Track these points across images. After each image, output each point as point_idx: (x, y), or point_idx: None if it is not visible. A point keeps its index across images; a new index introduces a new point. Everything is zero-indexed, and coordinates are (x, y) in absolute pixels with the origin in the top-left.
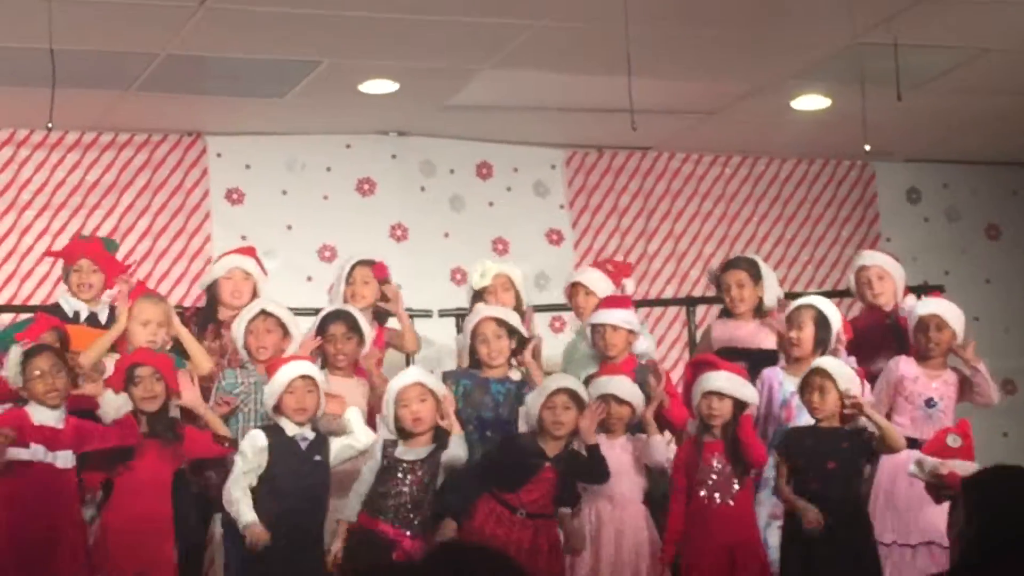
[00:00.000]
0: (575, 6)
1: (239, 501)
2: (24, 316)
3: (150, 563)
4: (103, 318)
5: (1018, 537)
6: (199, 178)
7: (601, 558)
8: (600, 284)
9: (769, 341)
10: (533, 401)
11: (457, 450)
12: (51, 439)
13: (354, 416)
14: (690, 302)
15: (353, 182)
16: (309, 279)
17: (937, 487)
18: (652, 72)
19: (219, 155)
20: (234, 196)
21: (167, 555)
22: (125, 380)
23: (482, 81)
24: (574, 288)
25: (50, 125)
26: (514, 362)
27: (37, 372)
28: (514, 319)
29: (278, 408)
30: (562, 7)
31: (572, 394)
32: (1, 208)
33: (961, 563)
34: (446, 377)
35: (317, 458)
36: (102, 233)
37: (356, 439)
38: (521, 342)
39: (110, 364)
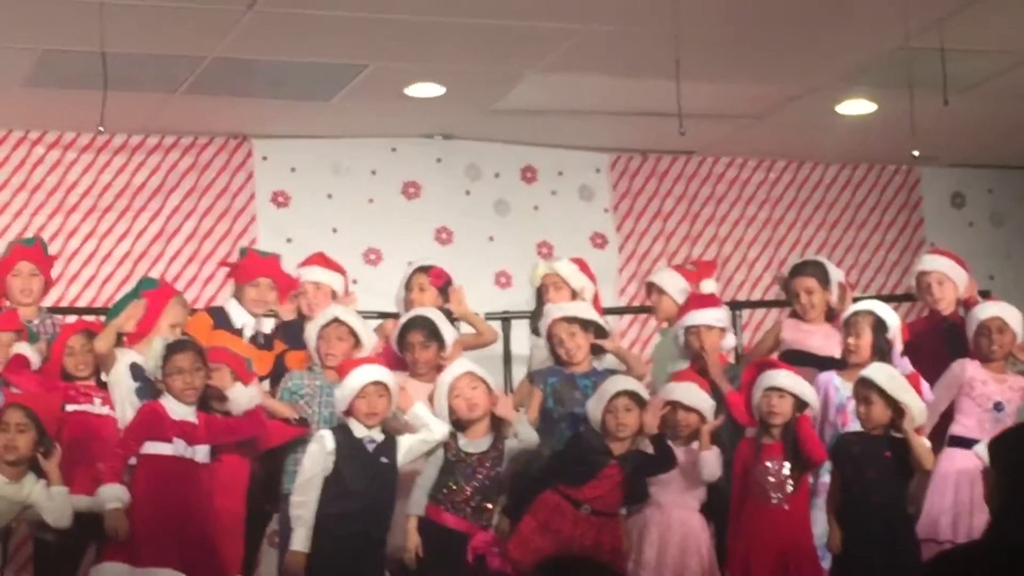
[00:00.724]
0: (623, 10)
1: (303, 521)
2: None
3: (221, 555)
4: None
5: None
6: (245, 181)
7: (642, 563)
8: (670, 282)
9: (834, 345)
10: (595, 405)
11: (527, 436)
12: (190, 434)
13: (422, 410)
14: (734, 306)
15: (398, 185)
16: (355, 282)
17: None
18: (699, 76)
19: (265, 158)
20: (280, 199)
21: (239, 551)
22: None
23: (528, 85)
24: (649, 288)
25: (101, 128)
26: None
27: (177, 369)
28: (583, 312)
29: (348, 411)
30: (610, 11)
31: (632, 395)
32: (48, 211)
33: (992, 527)
34: (534, 377)
35: (384, 460)
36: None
37: (430, 432)
38: (599, 331)
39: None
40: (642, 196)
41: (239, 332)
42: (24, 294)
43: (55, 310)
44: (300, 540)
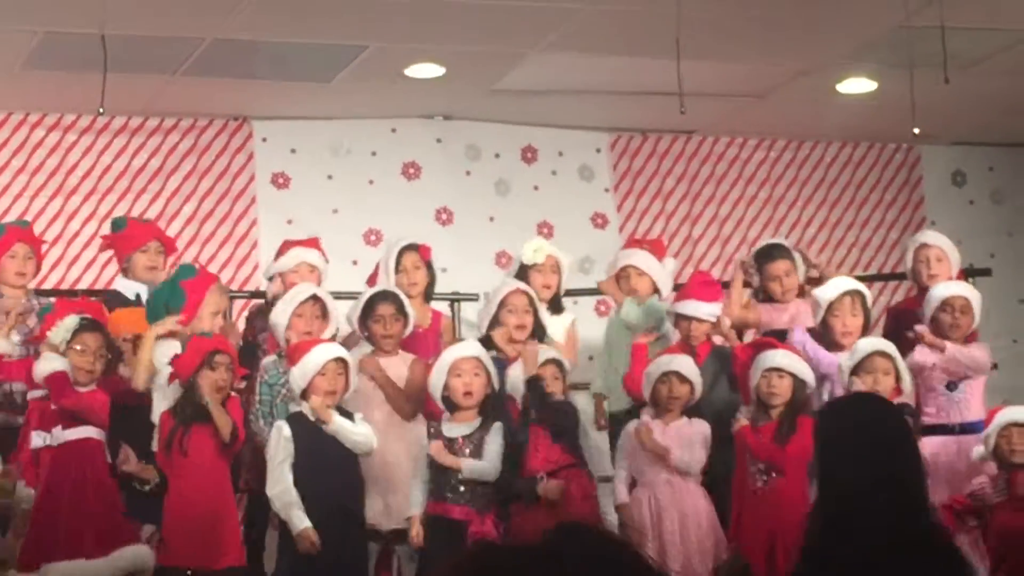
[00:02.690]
0: None
1: (290, 505)
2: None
3: (216, 546)
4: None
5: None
6: (245, 162)
7: (666, 543)
8: (650, 263)
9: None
10: (520, 373)
11: (479, 469)
12: (44, 420)
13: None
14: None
15: (399, 166)
16: (355, 263)
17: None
18: (699, 55)
19: (265, 139)
20: (280, 180)
21: (234, 536)
22: (201, 363)
23: (528, 65)
24: (624, 271)
25: (101, 110)
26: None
27: (80, 347)
28: (540, 307)
29: (306, 392)
30: None
31: (559, 364)
32: (48, 193)
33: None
34: None
35: None
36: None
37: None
38: (539, 328)
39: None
40: (642, 176)
41: (136, 303)
42: (19, 276)
43: (55, 292)
44: (298, 519)
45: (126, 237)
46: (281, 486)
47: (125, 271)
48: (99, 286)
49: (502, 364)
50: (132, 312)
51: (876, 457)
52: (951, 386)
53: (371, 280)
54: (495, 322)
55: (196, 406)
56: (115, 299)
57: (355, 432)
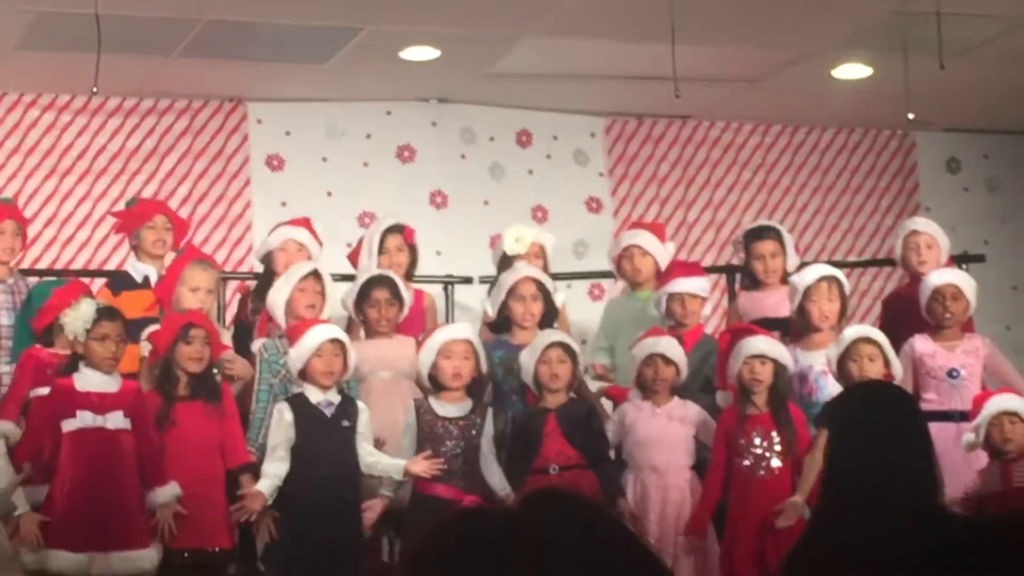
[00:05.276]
0: None
1: (268, 476)
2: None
3: (210, 526)
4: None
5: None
6: (239, 144)
7: (645, 529)
8: (654, 244)
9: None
10: (528, 357)
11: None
12: (97, 403)
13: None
14: (730, 270)
15: (393, 149)
16: (349, 245)
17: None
18: (694, 40)
19: (259, 121)
20: (274, 162)
21: (223, 514)
22: (176, 338)
23: (524, 49)
24: (627, 251)
25: (95, 91)
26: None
27: (102, 335)
28: (551, 285)
29: (304, 372)
30: None
31: (565, 347)
32: (42, 174)
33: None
34: None
35: (345, 423)
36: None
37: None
38: (551, 310)
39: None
40: (637, 160)
41: (145, 285)
42: (7, 252)
43: (44, 272)
44: (264, 485)
45: (134, 214)
46: (273, 466)
47: (136, 250)
48: (93, 267)
49: (513, 347)
50: (139, 295)
51: (887, 446)
52: (952, 373)
53: (353, 255)
54: (504, 309)
55: (177, 382)
56: (122, 281)
57: (385, 465)
